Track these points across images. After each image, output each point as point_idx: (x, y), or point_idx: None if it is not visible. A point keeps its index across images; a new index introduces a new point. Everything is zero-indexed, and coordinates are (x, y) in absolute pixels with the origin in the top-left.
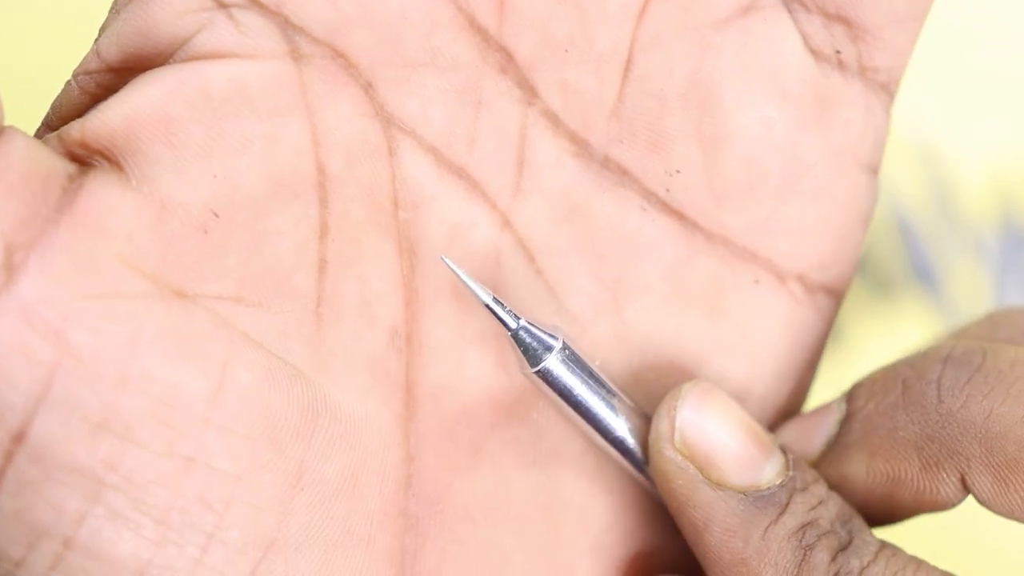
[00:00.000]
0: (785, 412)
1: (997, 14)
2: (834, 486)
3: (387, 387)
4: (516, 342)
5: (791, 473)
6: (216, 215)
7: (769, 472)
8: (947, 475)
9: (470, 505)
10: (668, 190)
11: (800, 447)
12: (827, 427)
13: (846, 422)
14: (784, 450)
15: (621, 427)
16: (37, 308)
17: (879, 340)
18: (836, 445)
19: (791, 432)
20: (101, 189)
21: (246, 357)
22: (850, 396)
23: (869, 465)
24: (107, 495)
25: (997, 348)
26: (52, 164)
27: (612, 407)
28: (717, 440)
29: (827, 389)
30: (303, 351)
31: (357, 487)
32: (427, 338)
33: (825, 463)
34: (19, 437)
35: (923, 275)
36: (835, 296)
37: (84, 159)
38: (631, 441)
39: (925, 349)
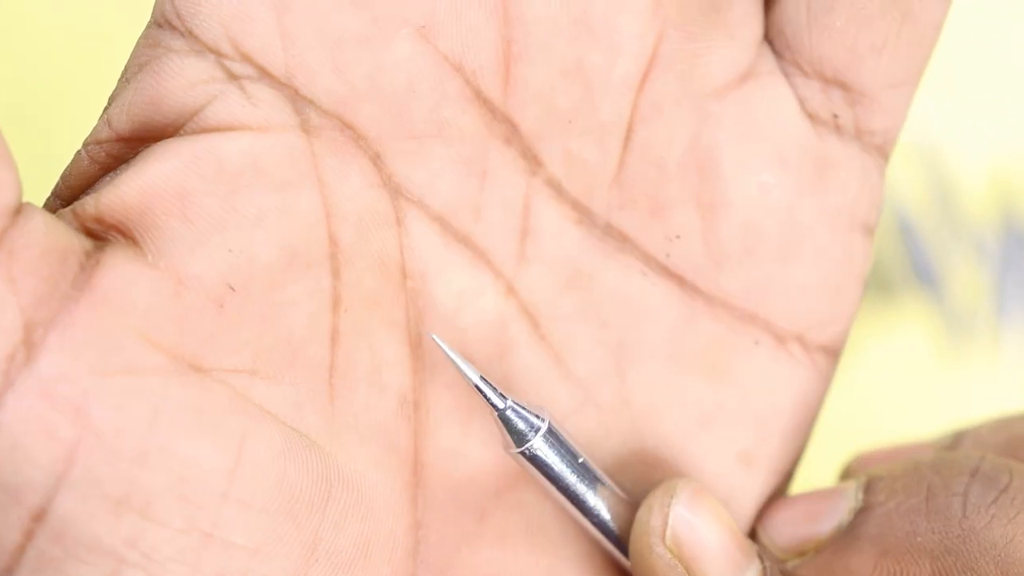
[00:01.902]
0: (786, 473)
1: (998, 15)
2: (836, 574)
3: (396, 454)
4: (503, 421)
5: None
6: (232, 288)
7: None
8: None
9: (477, 571)
10: (668, 255)
11: (808, 527)
12: (840, 513)
13: (862, 513)
14: (761, 557)
15: (601, 510)
16: (57, 385)
17: (879, 340)
18: (848, 534)
19: (800, 508)
20: (118, 265)
21: (262, 430)
22: (868, 488)
23: (878, 562)
24: (128, 572)
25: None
26: (70, 241)
27: (594, 490)
28: (706, 542)
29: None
30: (317, 421)
31: (368, 555)
32: (434, 405)
33: (832, 550)
34: (40, 516)
35: (924, 276)
36: (833, 355)
37: (99, 234)
38: (610, 525)
39: (951, 456)
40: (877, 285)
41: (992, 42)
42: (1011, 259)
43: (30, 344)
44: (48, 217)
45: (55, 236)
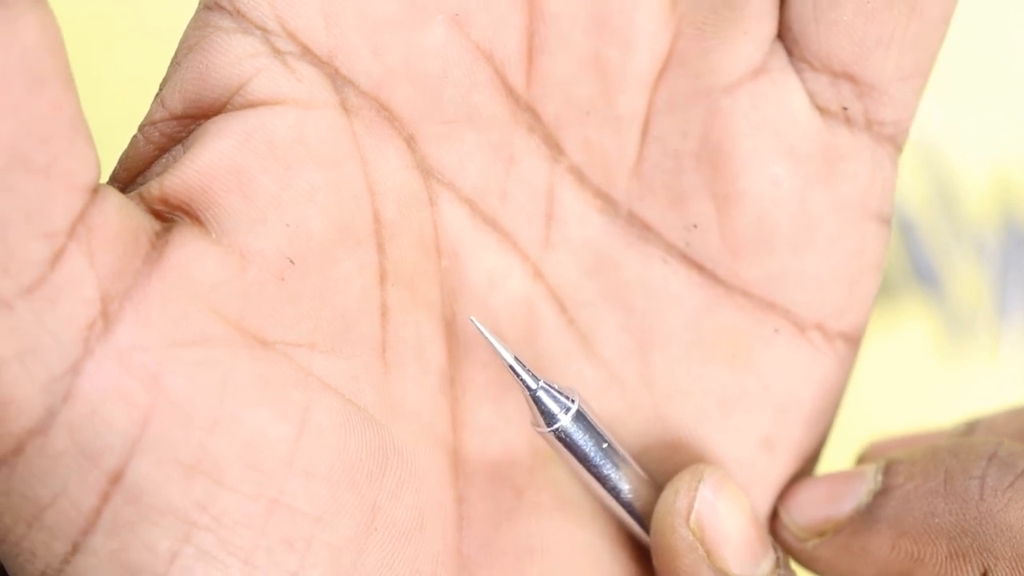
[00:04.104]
0: (809, 458)
1: (999, 14)
2: (854, 554)
3: (440, 430)
4: (534, 401)
5: (781, 572)
6: (292, 262)
7: (764, 567)
8: (971, 568)
9: (517, 545)
10: (688, 244)
11: (828, 508)
12: (859, 495)
13: (881, 495)
14: (775, 548)
15: (624, 490)
16: (133, 354)
17: (880, 340)
18: (867, 516)
19: (821, 489)
20: (185, 243)
21: (324, 402)
22: (887, 471)
23: (896, 542)
24: (198, 536)
25: None
26: (141, 221)
27: (618, 470)
28: (728, 528)
29: None
30: (373, 395)
31: (423, 527)
32: (470, 383)
33: (851, 530)
34: (116, 479)
35: (924, 275)
36: (853, 342)
37: (164, 216)
38: (633, 505)
39: (969, 440)
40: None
41: (993, 42)
42: (1012, 259)
43: (107, 316)
44: (121, 198)
45: (128, 215)
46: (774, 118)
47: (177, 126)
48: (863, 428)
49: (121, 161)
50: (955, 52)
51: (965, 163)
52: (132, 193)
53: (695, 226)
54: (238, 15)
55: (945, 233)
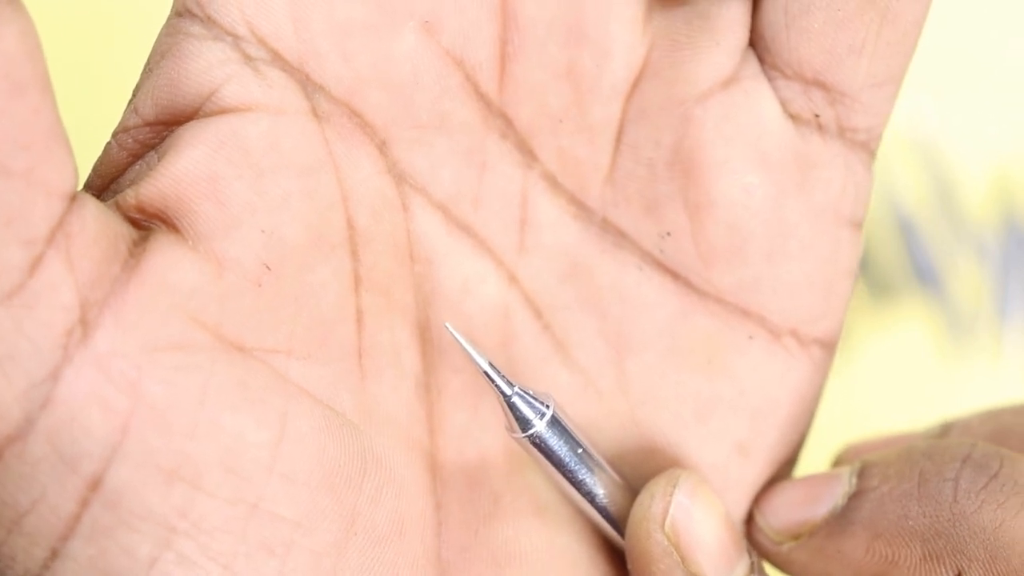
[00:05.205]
0: (784, 463)
1: (999, 13)
2: (829, 557)
3: (417, 435)
4: (509, 407)
5: None
6: (268, 268)
7: (739, 572)
8: (945, 570)
9: (495, 550)
10: (662, 251)
11: (803, 511)
12: (834, 498)
13: (855, 498)
14: (750, 552)
15: (600, 495)
16: (112, 360)
17: (880, 340)
18: (841, 518)
19: (796, 493)
20: (163, 250)
21: (302, 407)
22: (862, 473)
23: (871, 545)
24: (178, 541)
25: (1014, 457)
26: (118, 228)
27: (593, 475)
28: (703, 533)
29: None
30: (350, 401)
31: (403, 532)
32: (445, 388)
33: (826, 532)
34: (95, 485)
35: (924, 275)
36: (828, 348)
37: (141, 224)
38: (609, 510)
39: (943, 442)
40: (878, 285)
41: (993, 42)
42: (1012, 258)
43: (86, 322)
44: (99, 205)
45: (106, 223)
46: (746, 127)
47: (150, 133)
48: (863, 428)
49: (95, 168)
50: (955, 52)
51: (965, 163)
52: (109, 201)
53: (669, 234)
54: (209, 21)
55: (945, 233)
